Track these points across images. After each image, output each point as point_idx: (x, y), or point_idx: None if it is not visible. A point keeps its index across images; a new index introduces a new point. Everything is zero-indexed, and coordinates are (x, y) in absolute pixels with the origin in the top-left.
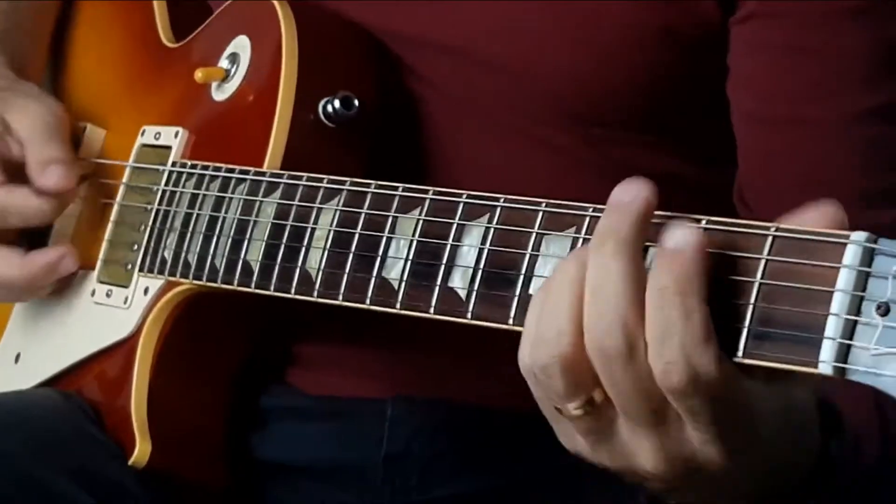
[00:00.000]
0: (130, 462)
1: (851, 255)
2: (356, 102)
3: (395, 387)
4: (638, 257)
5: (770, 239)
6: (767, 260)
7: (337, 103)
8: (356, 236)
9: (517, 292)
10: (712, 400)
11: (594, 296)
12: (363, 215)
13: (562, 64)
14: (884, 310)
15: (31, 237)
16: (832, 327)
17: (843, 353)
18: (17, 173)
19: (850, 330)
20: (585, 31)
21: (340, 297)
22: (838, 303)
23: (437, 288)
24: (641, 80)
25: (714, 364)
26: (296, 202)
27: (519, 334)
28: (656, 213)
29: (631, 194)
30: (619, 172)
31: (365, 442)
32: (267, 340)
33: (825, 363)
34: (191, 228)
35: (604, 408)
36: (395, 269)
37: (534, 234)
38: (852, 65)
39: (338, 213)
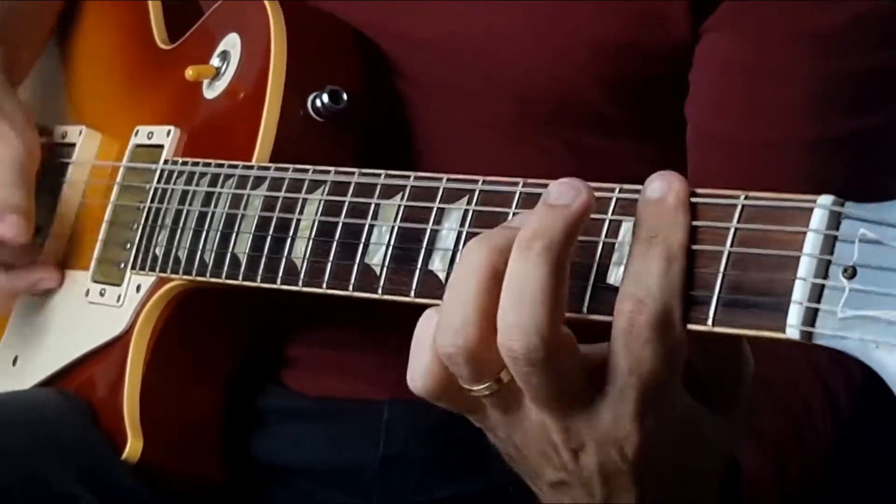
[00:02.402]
0: (122, 457)
1: (818, 219)
2: (345, 96)
3: (393, 388)
4: (564, 263)
5: (739, 207)
6: (737, 228)
7: (325, 97)
8: (340, 225)
9: None
10: (663, 356)
11: (512, 297)
12: (347, 203)
13: (535, 69)
14: (850, 273)
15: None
16: (799, 291)
17: (811, 317)
18: None
19: (817, 294)
20: (558, 38)
21: (324, 285)
22: (805, 267)
23: (417, 271)
24: (612, 90)
25: (682, 322)
26: (282, 193)
27: None
28: (628, 186)
29: (570, 195)
30: (598, 177)
31: (362, 443)
32: (265, 342)
33: (793, 328)
34: (181, 225)
35: (512, 386)
36: (378, 255)
37: (511, 214)
38: (804, 92)
39: (322, 202)
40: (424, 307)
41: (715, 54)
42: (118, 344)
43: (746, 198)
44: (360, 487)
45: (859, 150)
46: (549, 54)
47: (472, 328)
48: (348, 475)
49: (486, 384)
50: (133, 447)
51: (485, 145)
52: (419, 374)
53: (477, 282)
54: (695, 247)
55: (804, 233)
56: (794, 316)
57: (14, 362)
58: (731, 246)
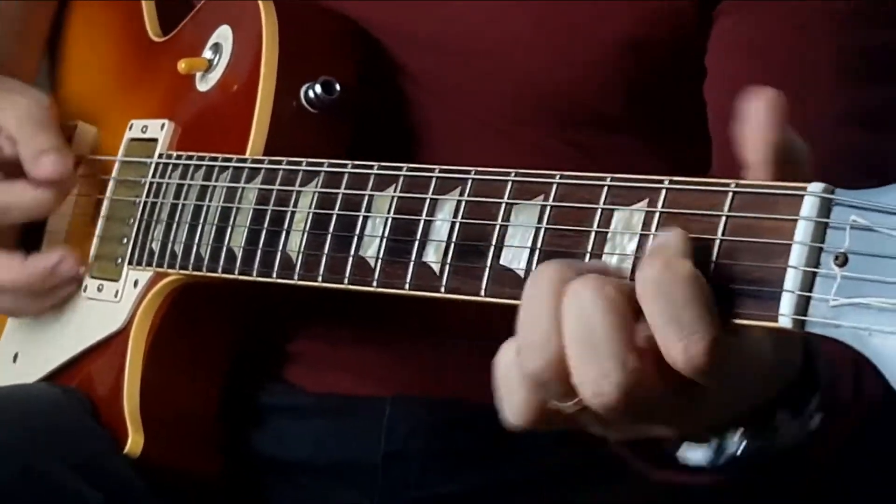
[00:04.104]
0: (124, 453)
1: (809, 206)
2: (337, 87)
3: (394, 385)
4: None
5: (730, 195)
6: (728, 216)
7: (318, 88)
8: (334, 217)
9: (488, 263)
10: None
11: (582, 347)
12: (340, 196)
13: (538, 66)
14: (842, 260)
15: (27, 241)
16: (791, 280)
17: (803, 305)
18: (14, 171)
19: (808, 282)
20: (562, 36)
21: (320, 279)
22: (796, 255)
23: (411, 263)
24: (618, 86)
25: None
26: (276, 186)
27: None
28: (619, 175)
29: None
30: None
31: (364, 440)
32: (266, 337)
33: (785, 316)
34: (177, 219)
35: None
36: (372, 248)
37: (503, 205)
38: (826, 68)
39: (316, 195)
40: (425, 300)
41: (732, 37)
42: (117, 339)
43: (737, 185)
44: (361, 483)
45: (890, 119)
46: (555, 52)
47: (555, 337)
48: (350, 471)
49: (577, 398)
50: (134, 442)
51: (484, 144)
52: (514, 408)
53: (550, 295)
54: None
55: (795, 220)
56: (787, 305)
57: (15, 359)
58: (723, 235)
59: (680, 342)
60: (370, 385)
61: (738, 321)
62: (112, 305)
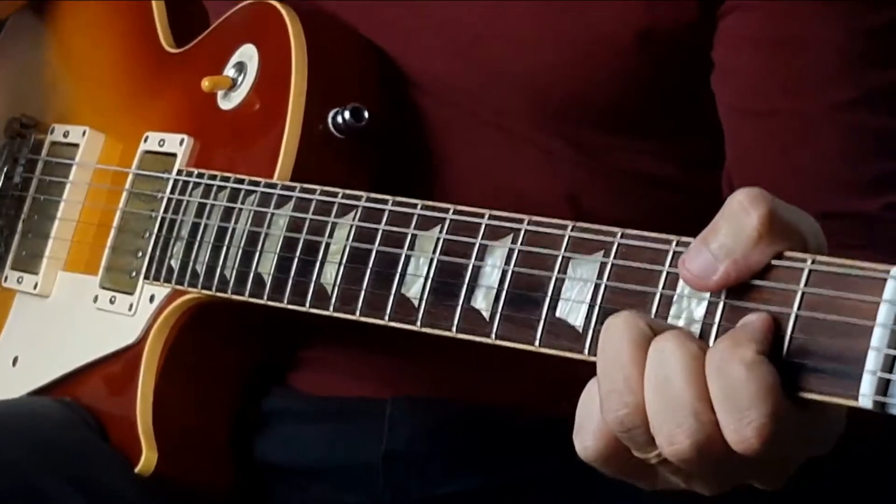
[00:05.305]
0: (137, 470)
1: (892, 289)
2: (366, 114)
3: (395, 387)
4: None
5: (806, 271)
6: (804, 292)
7: (347, 114)
8: (373, 252)
9: (543, 314)
10: (777, 443)
11: (657, 383)
12: (381, 231)
13: (544, 66)
14: None
15: (31, 243)
16: (872, 361)
17: (884, 387)
18: None
19: (889, 364)
20: (566, 33)
21: (358, 313)
22: (878, 337)
23: (459, 307)
24: (622, 82)
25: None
26: (309, 215)
27: None
28: (685, 239)
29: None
30: (607, 175)
31: (365, 442)
32: (271, 345)
33: (865, 397)
34: (198, 238)
35: None
36: (415, 287)
37: (560, 257)
38: (830, 56)
39: (354, 228)
40: None
41: (742, 31)
42: (129, 354)
43: (814, 262)
44: (363, 485)
45: None
46: (557, 49)
47: (636, 386)
48: (352, 474)
49: (658, 450)
50: (148, 459)
51: (485, 143)
52: (590, 436)
53: (629, 344)
54: (760, 306)
55: (877, 303)
56: (867, 385)
57: (14, 363)
58: (799, 309)
59: (732, 424)
60: (371, 387)
61: (810, 396)
62: (125, 318)
